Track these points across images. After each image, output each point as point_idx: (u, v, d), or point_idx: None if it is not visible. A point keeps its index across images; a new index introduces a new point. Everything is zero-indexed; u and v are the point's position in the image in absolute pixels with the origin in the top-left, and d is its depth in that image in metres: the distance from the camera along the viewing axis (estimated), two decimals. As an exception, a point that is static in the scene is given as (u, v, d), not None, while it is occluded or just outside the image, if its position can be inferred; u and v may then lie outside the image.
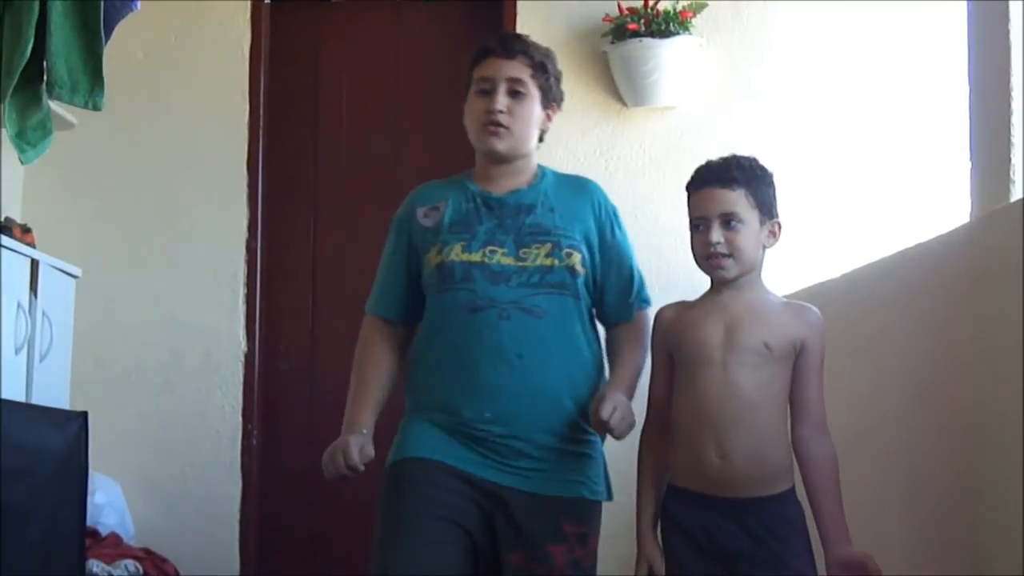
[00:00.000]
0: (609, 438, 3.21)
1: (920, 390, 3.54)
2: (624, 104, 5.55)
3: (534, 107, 3.36)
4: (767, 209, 3.15)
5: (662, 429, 3.25)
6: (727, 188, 3.11)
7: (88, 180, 5.59)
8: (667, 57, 5.35)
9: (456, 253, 3.27)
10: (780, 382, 3.10)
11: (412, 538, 3.14)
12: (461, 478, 3.20)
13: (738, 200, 3.10)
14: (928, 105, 4.90)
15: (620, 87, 5.49)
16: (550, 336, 3.24)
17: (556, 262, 3.25)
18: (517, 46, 3.35)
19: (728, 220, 3.10)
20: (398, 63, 5.86)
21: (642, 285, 3.45)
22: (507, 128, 3.31)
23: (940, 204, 4.45)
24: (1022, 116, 3.13)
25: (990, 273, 3.09)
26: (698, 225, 3.16)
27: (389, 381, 3.44)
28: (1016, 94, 3.13)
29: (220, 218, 5.64)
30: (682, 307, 3.28)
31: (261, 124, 5.71)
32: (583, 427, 3.28)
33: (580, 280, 3.30)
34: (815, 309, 3.17)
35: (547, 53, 3.41)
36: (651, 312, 3.41)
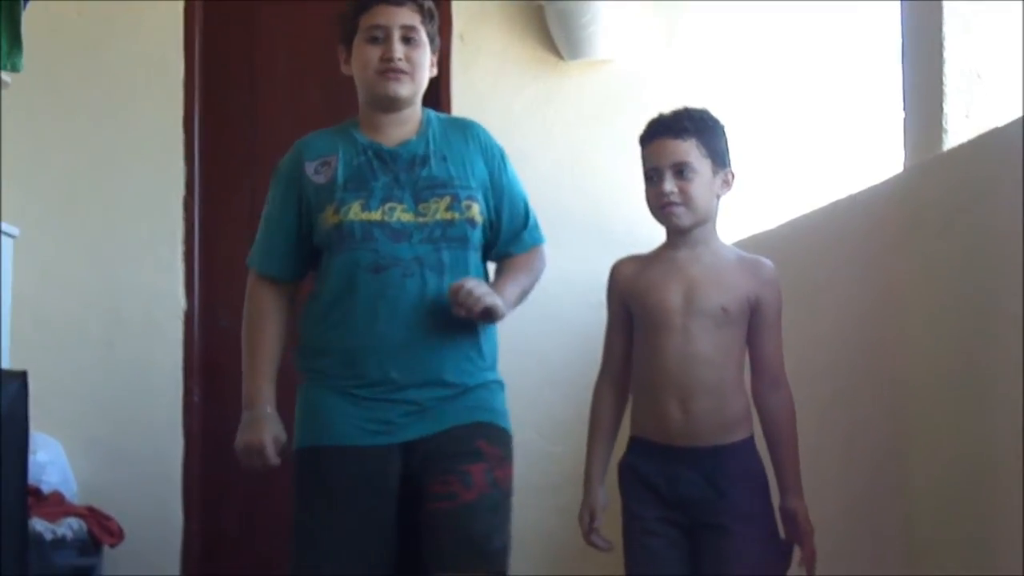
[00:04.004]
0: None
1: (854, 339, 3.59)
2: (561, 57, 5.54)
3: (427, 54, 3.32)
4: (719, 159, 3.17)
5: (617, 381, 3.29)
6: (678, 138, 3.12)
7: (24, 139, 5.52)
8: (604, 9, 5.33)
9: (355, 212, 3.21)
10: (739, 340, 3.15)
11: (334, 544, 3.18)
12: (376, 455, 3.19)
13: (690, 150, 3.12)
14: (864, 56, 4.94)
15: (556, 40, 5.48)
16: None
17: (456, 215, 3.23)
18: None
19: (680, 170, 3.11)
20: (335, 16, 5.82)
21: (536, 224, 3.45)
22: (407, 74, 3.26)
23: (877, 155, 4.49)
24: (954, 66, 3.17)
25: (923, 222, 3.13)
26: (651, 176, 3.17)
27: (281, 346, 3.40)
28: (948, 44, 3.17)
29: (157, 175, 5.60)
30: (639, 264, 3.28)
31: (197, 81, 5.68)
32: (488, 374, 3.32)
33: (478, 230, 3.28)
34: (769, 264, 3.19)
35: None
36: (545, 249, 3.46)
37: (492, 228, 3.35)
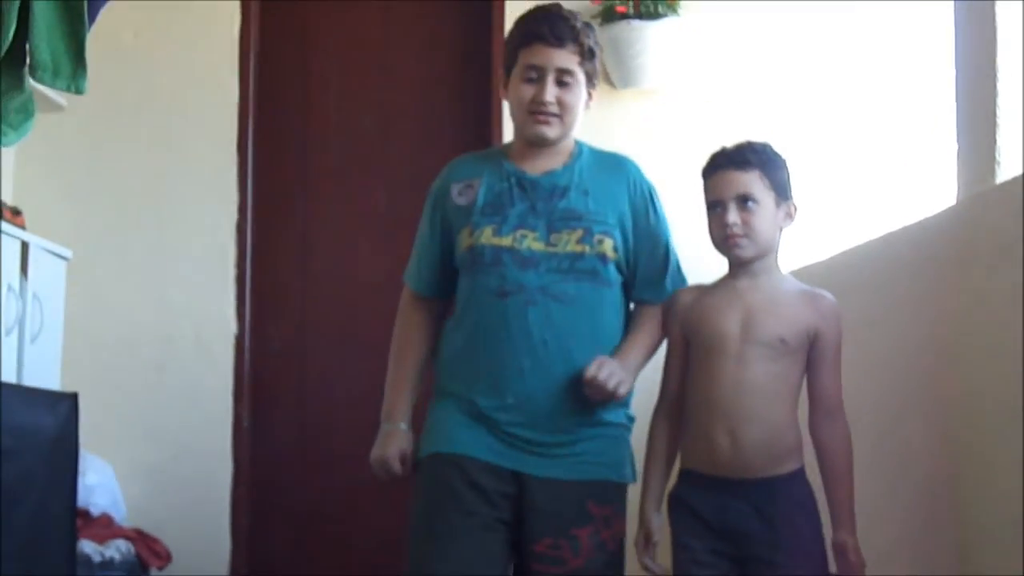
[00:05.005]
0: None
1: (905, 372, 3.56)
2: (612, 85, 5.54)
3: (581, 93, 3.31)
4: (782, 191, 3.18)
5: (674, 410, 3.29)
6: (742, 170, 3.14)
7: (78, 162, 5.59)
8: (655, 39, 5.37)
9: (487, 236, 3.25)
10: (795, 371, 3.14)
11: (449, 543, 3.18)
12: (489, 470, 3.22)
13: (753, 182, 3.13)
14: (916, 88, 4.92)
15: (608, 68, 5.49)
16: (577, 323, 3.23)
17: (587, 248, 3.24)
18: (567, 32, 3.29)
19: (744, 201, 3.12)
20: (387, 42, 5.85)
21: (678, 267, 3.42)
22: (558, 117, 3.28)
23: (928, 187, 4.46)
24: (1008, 98, 3.14)
25: (976, 255, 3.11)
26: (714, 208, 3.18)
27: (425, 360, 3.47)
28: (1002, 76, 3.15)
29: (210, 199, 5.64)
30: (700, 292, 3.28)
31: (251, 105, 5.71)
32: (606, 414, 3.30)
33: (611, 265, 3.28)
34: (829, 297, 3.18)
35: (590, 32, 3.37)
36: None
37: (630, 266, 3.35)
